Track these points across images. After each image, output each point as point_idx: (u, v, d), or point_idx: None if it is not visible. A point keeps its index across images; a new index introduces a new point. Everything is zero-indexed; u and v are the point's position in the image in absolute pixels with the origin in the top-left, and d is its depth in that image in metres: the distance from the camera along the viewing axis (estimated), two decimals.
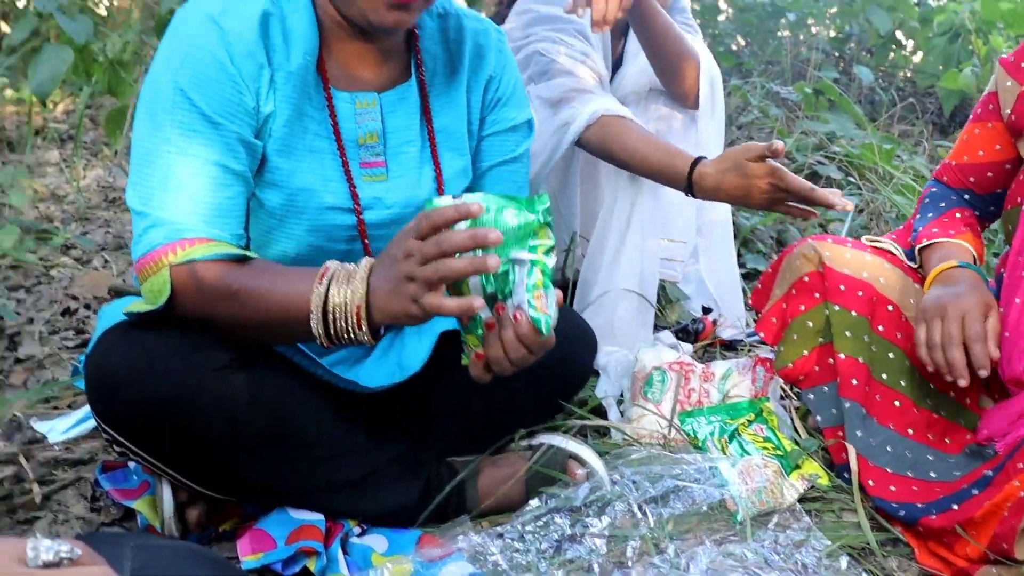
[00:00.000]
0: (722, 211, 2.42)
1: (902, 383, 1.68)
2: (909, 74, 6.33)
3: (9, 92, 4.68)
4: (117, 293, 2.45)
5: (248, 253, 1.32)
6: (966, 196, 1.83)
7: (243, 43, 1.33)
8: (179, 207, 1.29)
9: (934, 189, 1.88)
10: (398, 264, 1.18)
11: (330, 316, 1.23)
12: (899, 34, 6.20)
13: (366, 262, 1.24)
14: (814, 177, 3.79)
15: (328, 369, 1.46)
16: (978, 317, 1.54)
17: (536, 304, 1.23)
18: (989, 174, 1.78)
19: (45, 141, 4.18)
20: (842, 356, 1.69)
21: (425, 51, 1.54)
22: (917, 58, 6.32)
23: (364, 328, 1.22)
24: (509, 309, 1.23)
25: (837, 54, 6.14)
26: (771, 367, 1.89)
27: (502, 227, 1.19)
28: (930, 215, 1.81)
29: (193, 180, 1.30)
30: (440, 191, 1.53)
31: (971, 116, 1.81)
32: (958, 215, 1.79)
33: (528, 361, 1.26)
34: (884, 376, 1.67)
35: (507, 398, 1.52)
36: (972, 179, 1.80)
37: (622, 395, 1.96)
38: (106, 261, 2.82)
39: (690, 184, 1.91)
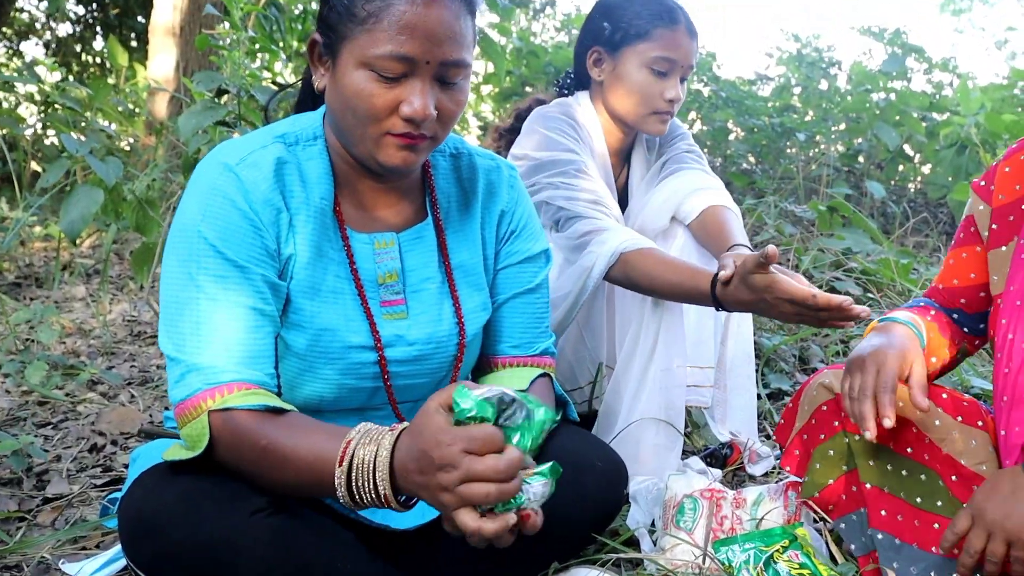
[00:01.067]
0: (743, 340, 2.42)
1: (939, 504, 1.65)
2: (919, 186, 6.41)
3: (37, 229, 4.80)
4: (148, 436, 2.47)
5: (284, 405, 1.35)
6: (955, 316, 1.79)
7: (260, 191, 1.39)
8: (214, 352, 1.33)
9: (921, 297, 1.86)
10: (434, 472, 1.17)
11: (353, 477, 1.23)
12: (907, 148, 6.31)
13: (392, 432, 1.24)
14: (832, 294, 3.81)
15: (358, 513, 1.45)
16: (893, 367, 1.52)
17: (528, 476, 1.26)
18: (981, 294, 1.77)
19: (72, 276, 4.27)
20: (868, 486, 1.66)
21: (439, 190, 1.60)
22: (926, 169, 6.41)
23: (386, 491, 1.22)
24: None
25: (847, 169, 6.23)
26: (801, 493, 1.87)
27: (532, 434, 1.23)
28: (911, 304, 1.80)
29: (226, 324, 1.35)
30: (460, 326, 1.56)
31: (953, 240, 1.81)
32: (932, 313, 1.76)
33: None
34: (919, 500, 1.64)
35: (540, 532, 1.51)
36: (963, 300, 1.77)
37: (653, 524, 1.94)
38: (132, 396, 2.84)
39: (716, 300, 1.93)
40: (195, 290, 1.35)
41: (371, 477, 1.21)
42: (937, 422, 1.69)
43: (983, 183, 1.70)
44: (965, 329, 1.78)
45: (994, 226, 1.66)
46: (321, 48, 1.45)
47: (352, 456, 1.23)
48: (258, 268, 1.38)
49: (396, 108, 1.37)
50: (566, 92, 2.47)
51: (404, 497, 1.25)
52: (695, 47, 2.26)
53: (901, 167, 6.37)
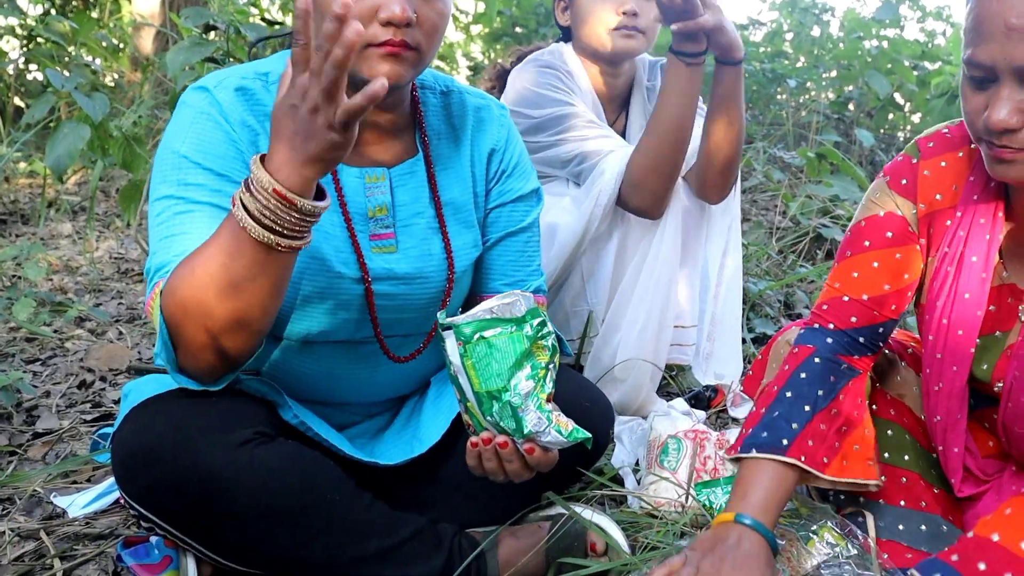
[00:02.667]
0: (732, 289, 2.44)
1: (905, 458, 1.64)
2: (909, 135, 6.40)
3: (22, 165, 4.76)
4: (138, 372, 2.48)
5: None
6: (860, 339, 1.56)
7: (236, 112, 1.40)
8: (175, 249, 1.32)
9: (815, 360, 1.53)
10: (297, 112, 1.15)
11: (265, 221, 1.18)
12: (898, 96, 6.30)
13: (254, 158, 1.20)
14: (819, 240, 3.83)
15: (349, 444, 1.47)
16: None
17: (563, 427, 1.33)
18: (909, 293, 1.56)
19: (58, 213, 4.25)
20: (883, 481, 1.60)
21: (429, 126, 1.59)
22: (916, 118, 6.40)
23: (298, 203, 1.17)
24: (519, 442, 1.32)
25: (837, 117, 6.22)
26: None
27: (497, 363, 1.28)
28: (808, 409, 1.48)
29: (191, 223, 1.33)
30: (450, 261, 1.56)
31: (866, 242, 1.55)
32: (834, 411, 1.50)
33: (530, 475, 1.36)
34: (886, 455, 1.64)
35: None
36: (894, 306, 1.54)
37: (637, 463, 1.97)
38: (120, 333, 2.85)
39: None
40: (167, 200, 1.35)
41: (263, 192, 1.17)
42: (899, 378, 1.70)
43: (904, 181, 1.53)
44: (868, 354, 1.59)
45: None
46: None
47: (238, 199, 1.19)
48: (233, 175, 1.37)
49: (375, 15, 1.34)
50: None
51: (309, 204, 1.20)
52: None
53: (891, 116, 6.35)
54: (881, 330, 1.56)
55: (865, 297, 1.53)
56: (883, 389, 1.67)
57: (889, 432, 1.64)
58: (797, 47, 7.18)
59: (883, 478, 1.56)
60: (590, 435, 1.36)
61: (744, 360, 2.52)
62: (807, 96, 6.43)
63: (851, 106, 6.32)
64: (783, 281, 3.30)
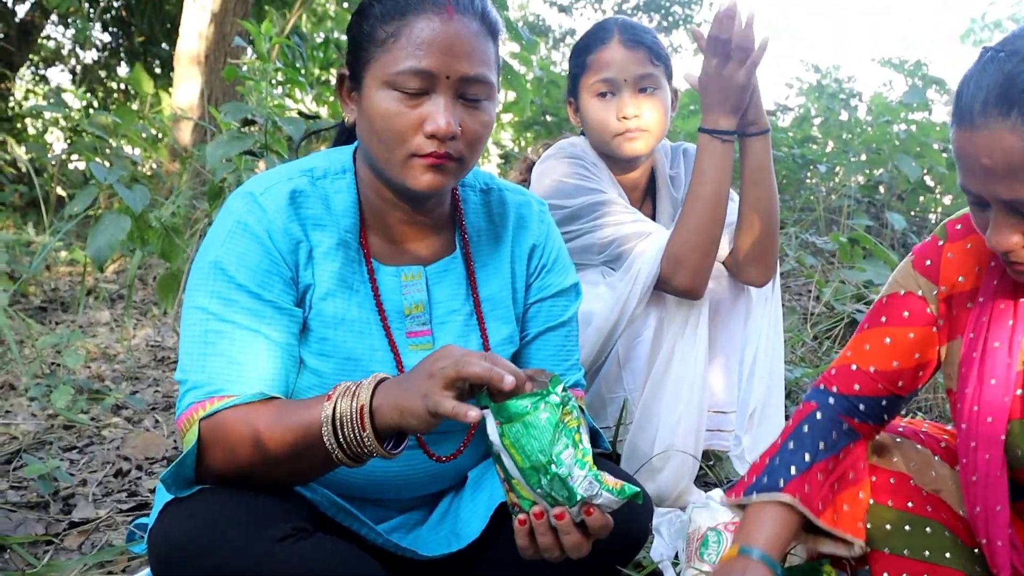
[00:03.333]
0: (775, 375, 2.42)
1: (947, 556, 1.57)
2: (940, 217, 6.39)
3: (63, 254, 4.85)
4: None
5: (270, 393, 1.37)
6: (861, 407, 1.58)
7: (280, 219, 1.43)
8: (213, 370, 1.36)
9: (818, 417, 1.58)
10: (420, 371, 1.24)
11: (338, 425, 1.26)
12: (928, 179, 6.30)
13: (372, 376, 1.29)
14: (854, 325, 3.80)
15: (386, 537, 1.46)
16: None
17: (614, 487, 1.30)
18: (920, 372, 1.57)
19: (96, 301, 4.31)
20: (868, 549, 1.56)
21: (469, 224, 1.62)
22: (947, 200, 6.40)
23: (368, 431, 1.25)
24: (574, 511, 1.29)
25: (868, 200, 6.23)
26: None
27: (536, 439, 1.27)
28: (808, 457, 1.53)
29: (231, 345, 1.37)
30: None
31: (883, 317, 1.59)
32: (830, 467, 1.54)
33: (585, 551, 1.32)
34: (926, 553, 1.58)
35: (564, 565, 1.51)
36: (900, 383, 1.57)
37: (677, 556, 1.94)
38: (156, 421, 2.87)
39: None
40: (202, 313, 1.39)
41: (353, 404, 1.26)
42: (933, 473, 1.65)
43: (928, 262, 1.55)
44: (869, 422, 1.59)
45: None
46: (348, 82, 1.48)
47: (340, 393, 1.28)
48: (268, 294, 1.40)
49: (420, 127, 1.39)
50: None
51: (391, 444, 1.30)
52: (642, 55, 2.21)
53: (922, 198, 6.36)
54: (884, 403, 1.58)
55: (872, 369, 1.56)
56: (918, 485, 1.62)
57: (928, 529, 1.58)
58: (825, 132, 7.24)
59: (868, 548, 1.54)
60: (639, 489, 1.32)
61: None
62: (837, 180, 6.45)
63: (881, 189, 6.34)
64: (819, 369, 3.27)
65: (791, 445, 1.55)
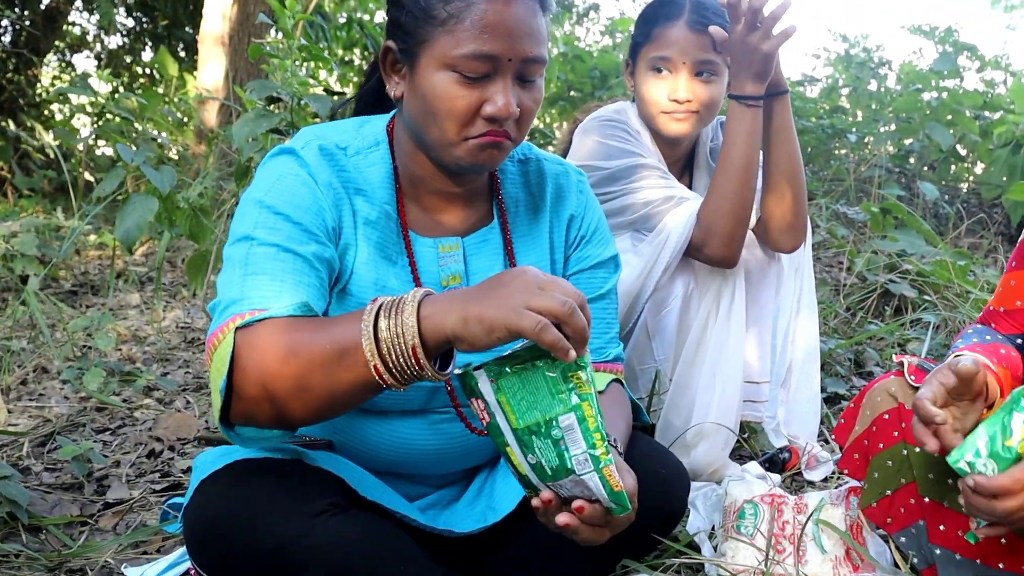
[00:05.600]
0: (809, 338, 2.39)
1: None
2: (972, 186, 6.31)
3: (92, 237, 4.88)
4: (207, 442, 2.49)
5: (305, 308, 1.28)
6: (1019, 340, 1.71)
7: (323, 173, 1.42)
8: (252, 286, 1.30)
9: (978, 326, 1.75)
10: (512, 281, 1.19)
11: (385, 353, 1.18)
12: (960, 148, 6.21)
13: (417, 291, 1.21)
14: (887, 296, 3.75)
15: (422, 515, 1.45)
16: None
17: (610, 480, 1.24)
18: None
19: (126, 284, 4.33)
20: (927, 500, 1.62)
21: (507, 194, 1.59)
22: (979, 169, 6.31)
23: (424, 363, 1.18)
24: (565, 489, 1.26)
25: (898, 170, 6.15)
26: None
27: (531, 394, 1.23)
28: (975, 340, 1.68)
29: (270, 264, 1.32)
30: None
31: (1007, 266, 1.73)
32: (1003, 351, 1.65)
33: (604, 538, 1.30)
34: None
35: None
36: (1011, 324, 1.71)
37: (713, 529, 1.92)
38: (188, 402, 2.87)
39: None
40: (246, 242, 1.35)
41: (399, 331, 1.17)
42: None
43: None
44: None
45: None
46: (396, 55, 1.45)
47: (378, 310, 1.19)
48: (311, 226, 1.37)
49: (479, 109, 1.37)
50: None
51: (439, 364, 1.22)
52: (706, 40, 2.13)
53: (953, 167, 6.26)
54: (1021, 341, 1.69)
55: (1002, 310, 1.73)
56: None
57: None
58: (854, 102, 7.14)
59: None
60: (630, 508, 1.28)
61: (820, 422, 2.46)
62: (867, 150, 6.37)
63: (912, 159, 6.25)
64: (853, 340, 3.23)
65: (959, 343, 1.66)
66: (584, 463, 1.23)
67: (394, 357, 1.17)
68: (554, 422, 1.22)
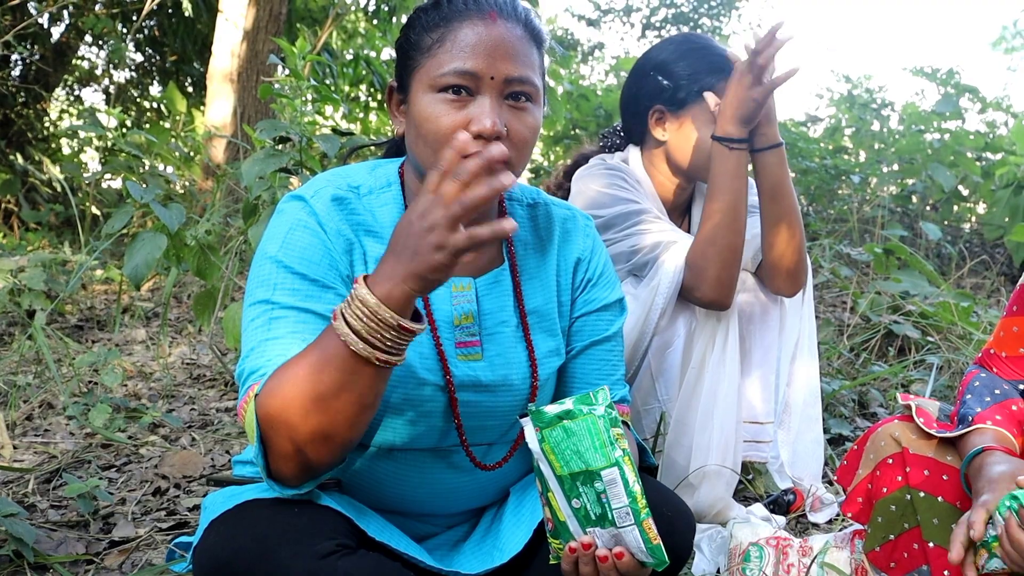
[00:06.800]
0: (810, 380, 2.40)
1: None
2: (975, 226, 6.33)
3: (99, 272, 4.90)
4: (217, 483, 2.49)
5: None
6: (1021, 386, 1.72)
7: (333, 221, 1.44)
8: (270, 353, 1.34)
9: (983, 375, 1.75)
10: (411, 228, 1.19)
11: (364, 334, 1.20)
12: (962, 188, 6.25)
13: (359, 277, 1.24)
14: (891, 336, 3.77)
15: (429, 556, 1.46)
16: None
17: (649, 534, 1.28)
18: None
19: (132, 319, 4.34)
20: (931, 545, 1.62)
21: (516, 237, 1.61)
22: (981, 209, 6.34)
23: (394, 320, 1.20)
24: (602, 539, 1.28)
25: (901, 210, 6.18)
26: None
27: (575, 445, 1.27)
28: (988, 399, 1.68)
29: (291, 329, 1.35)
30: (533, 368, 1.56)
31: (1007, 310, 1.74)
32: (1015, 408, 1.67)
33: None
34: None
35: None
36: (1013, 370, 1.72)
37: (718, 572, 1.92)
38: (193, 439, 2.88)
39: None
40: (264, 307, 1.38)
41: (363, 308, 1.20)
42: None
43: None
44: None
45: None
46: (397, 94, 1.51)
47: (340, 312, 1.22)
48: (328, 281, 1.40)
49: (465, 128, 1.39)
50: (611, 149, 2.46)
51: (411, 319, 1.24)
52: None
53: (956, 208, 6.30)
54: (1021, 388, 1.70)
55: (1004, 355, 1.73)
56: None
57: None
58: (857, 142, 7.19)
59: None
60: (666, 561, 1.31)
61: (824, 463, 2.46)
62: (870, 191, 6.40)
63: (915, 199, 6.28)
64: (857, 381, 3.24)
65: (968, 397, 1.67)
66: (625, 516, 1.27)
67: (366, 328, 1.20)
68: (597, 475, 1.27)
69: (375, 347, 1.22)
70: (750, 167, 2.17)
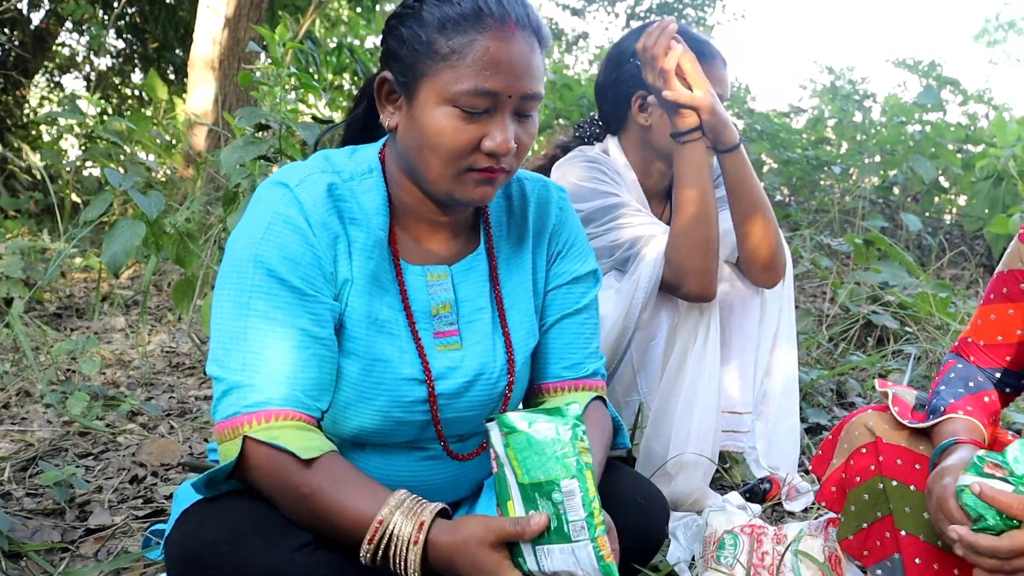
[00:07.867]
0: (788, 369, 2.41)
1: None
2: (955, 218, 6.37)
3: (78, 260, 4.87)
4: (191, 469, 2.49)
5: (324, 446, 1.35)
6: (998, 375, 1.74)
7: (318, 212, 1.41)
8: (261, 374, 1.34)
9: (959, 365, 1.76)
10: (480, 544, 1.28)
11: (387, 541, 1.29)
12: (942, 180, 6.28)
13: (432, 510, 1.31)
14: (870, 327, 3.79)
15: None
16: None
17: (603, 551, 1.26)
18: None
19: (111, 307, 4.32)
20: (903, 533, 1.63)
21: (493, 219, 1.61)
22: (962, 201, 6.37)
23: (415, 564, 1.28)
24: (552, 559, 1.29)
25: (882, 201, 6.20)
26: None
27: (538, 454, 1.28)
28: (961, 391, 1.68)
29: (277, 347, 1.35)
30: (510, 356, 1.56)
31: (992, 294, 1.74)
32: (987, 399, 1.67)
33: None
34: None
35: None
36: (1009, 357, 1.72)
37: (693, 559, 1.93)
38: (172, 427, 2.87)
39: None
40: (248, 312, 1.36)
41: (404, 557, 1.28)
42: None
43: None
44: (1007, 389, 1.74)
45: None
46: (393, 85, 1.46)
47: (389, 529, 1.29)
48: (315, 291, 1.39)
49: (478, 144, 1.39)
50: (589, 140, 2.46)
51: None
52: (727, 76, 2.27)
53: (936, 199, 6.33)
54: (999, 375, 1.73)
55: (981, 343, 1.74)
56: None
57: None
58: (839, 133, 7.21)
59: None
60: (613, 565, 1.29)
61: (801, 452, 2.47)
62: (851, 182, 6.43)
63: (896, 191, 6.31)
64: (835, 371, 3.26)
65: (942, 388, 1.67)
66: (580, 530, 1.26)
67: (391, 556, 1.29)
68: (556, 485, 1.26)
69: (375, 556, 1.30)
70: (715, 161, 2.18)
